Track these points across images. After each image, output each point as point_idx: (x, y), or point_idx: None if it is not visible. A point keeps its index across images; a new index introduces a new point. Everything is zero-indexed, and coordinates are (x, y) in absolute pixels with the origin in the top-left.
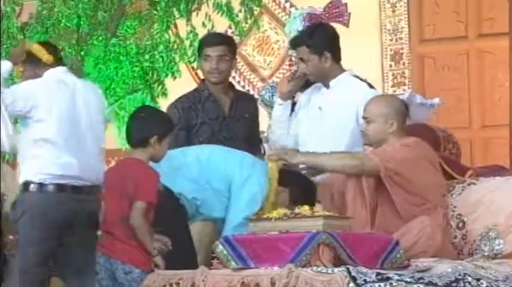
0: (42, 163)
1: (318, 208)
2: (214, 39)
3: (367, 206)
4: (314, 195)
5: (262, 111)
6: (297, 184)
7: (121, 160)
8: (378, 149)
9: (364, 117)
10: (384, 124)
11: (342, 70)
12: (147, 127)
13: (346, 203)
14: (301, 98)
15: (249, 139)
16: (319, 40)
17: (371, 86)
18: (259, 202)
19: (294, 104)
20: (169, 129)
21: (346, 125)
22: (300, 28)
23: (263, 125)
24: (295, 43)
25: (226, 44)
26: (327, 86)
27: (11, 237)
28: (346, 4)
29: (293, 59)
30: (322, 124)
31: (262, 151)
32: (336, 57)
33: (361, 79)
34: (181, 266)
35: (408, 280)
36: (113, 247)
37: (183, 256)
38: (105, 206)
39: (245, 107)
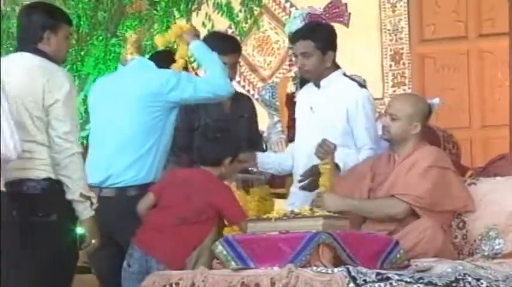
0: None
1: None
2: (230, 46)
3: None
4: None
5: (263, 111)
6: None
7: (191, 169)
8: (407, 184)
9: (389, 113)
10: (409, 125)
11: (334, 69)
12: (222, 148)
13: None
14: (296, 103)
15: (250, 138)
16: (325, 38)
17: (361, 86)
18: None
19: (294, 104)
20: (239, 150)
21: (336, 125)
22: None
23: (262, 125)
24: (300, 36)
25: (240, 50)
26: (318, 85)
27: (93, 241)
28: (346, 4)
29: (293, 59)
30: (313, 124)
31: (264, 147)
32: (335, 58)
33: (352, 79)
34: None
35: (408, 280)
36: (153, 243)
37: None
38: (158, 203)
39: (244, 106)
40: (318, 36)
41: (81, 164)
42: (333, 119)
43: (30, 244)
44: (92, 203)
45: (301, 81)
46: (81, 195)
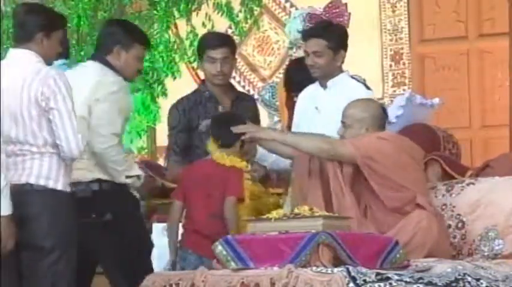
0: None
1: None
2: (217, 41)
3: (347, 192)
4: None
5: (262, 111)
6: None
7: (201, 160)
8: (354, 138)
9: (341, 122)
10: (360, 129)
11: (341, 71)
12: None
13: (323, 180)
14: (297, 103)
15: None
16: (338, 37)
17: (367, 87)
18: None
19: (294, 104)
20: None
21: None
22: (300, 28)
23: (262, 125)
24: (312, 34)
25: (229, 45)
26: (324, 86)
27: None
28: (346, 4)
29: (293, 58)
30: (319, 124)
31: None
32: (345, 58)
33: (358, 80)
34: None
35: (408, 280)
36: (203, 245)
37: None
38: (188, 205)
39: (245, 107)
40: (331, 36)
41: (118, 152)
42: (340, 119)
43: (88, 245)
44: (138, 178)
45: (291, 83)
46: (127, 177)
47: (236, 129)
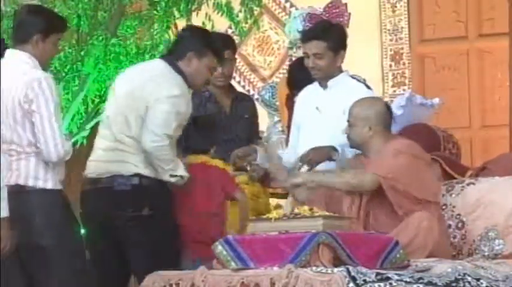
0: None
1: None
2: (220, 43)
3: (361, 210)
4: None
5: (262, 111)
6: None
7: (200, 163)
8: (374, 163)
9: (347, 121)
10: (363, 128)
11: (340, 71)
12: (210, 137)
13: (328, 203)
14: (297, 103)
15: (249, 139)
16: (337, 38)
17: (368, 87)
18: None
19: (294, 104)
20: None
21: (343, 126)
22: (300, 28)
23: (262, 125)
24: (312, 36)
25: (231, 47)
26: (324, 86)
27: None
28: (346, 4)
29: (293, 58)
30: (320, 124)
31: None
32: (344, 58)
33: (358, 80)
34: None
35: (408, 280)
36: (203, 248)
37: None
38: (186, 206)
39: (244, 107)
40: (331, 37)
41: (167, 152)
42: (341, 119)
43: (123, 238)
44: (182, 177)
45: (294, 82)
46: (171, 176)
47: (274, 174)
